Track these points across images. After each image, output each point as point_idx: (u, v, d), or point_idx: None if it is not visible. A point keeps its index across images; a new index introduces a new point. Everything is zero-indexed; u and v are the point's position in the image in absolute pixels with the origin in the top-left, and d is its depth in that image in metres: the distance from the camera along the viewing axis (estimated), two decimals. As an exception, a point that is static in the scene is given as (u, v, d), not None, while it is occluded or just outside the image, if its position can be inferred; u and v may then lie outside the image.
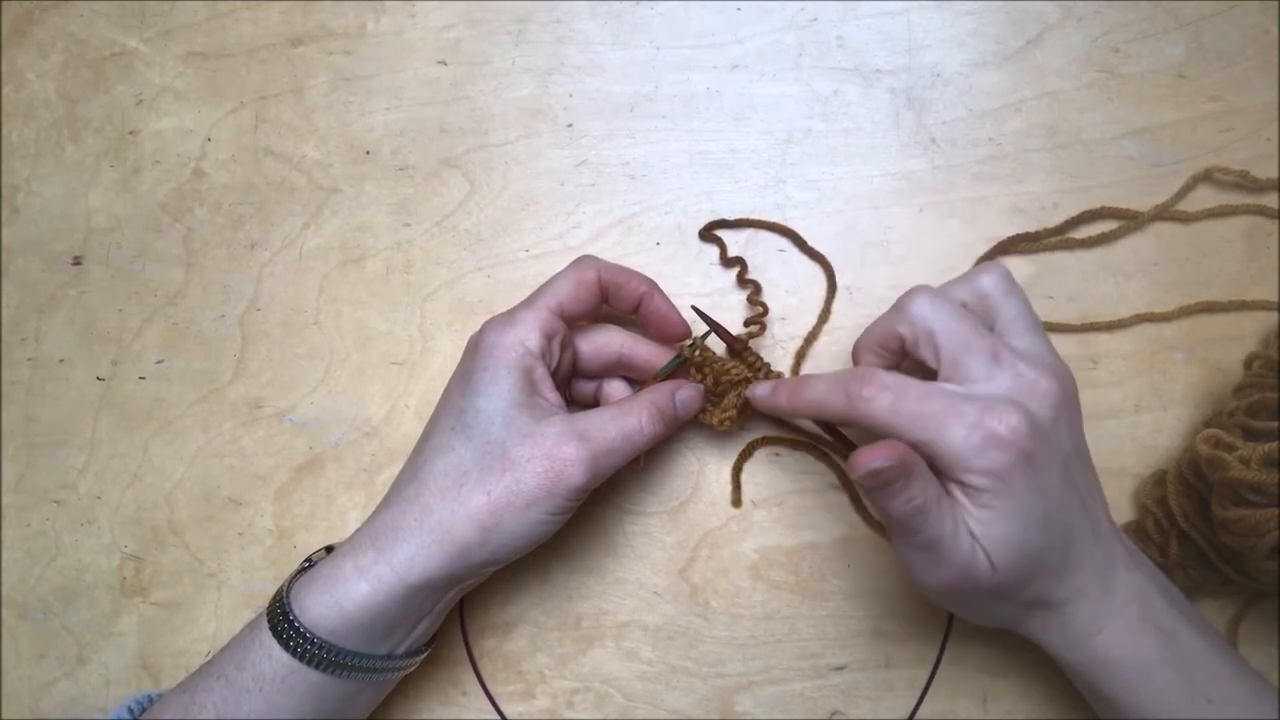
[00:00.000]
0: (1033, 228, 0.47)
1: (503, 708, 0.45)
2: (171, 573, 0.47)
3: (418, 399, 0.48)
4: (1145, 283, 0.46)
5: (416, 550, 0.38)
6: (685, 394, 0.43)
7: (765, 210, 0.48)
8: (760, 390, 0.43)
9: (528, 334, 0.40)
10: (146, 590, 0.47)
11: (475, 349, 0.40)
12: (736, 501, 0.46)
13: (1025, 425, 0.35)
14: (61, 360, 0.49)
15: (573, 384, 0.45)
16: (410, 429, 0.47)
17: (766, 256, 0.47)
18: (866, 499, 0.45)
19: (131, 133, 0.50)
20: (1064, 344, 0.46)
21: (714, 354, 0.44)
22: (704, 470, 0.46)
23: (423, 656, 0.41)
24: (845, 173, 0.48)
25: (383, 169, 0.49)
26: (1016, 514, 0.35)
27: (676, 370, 0.44)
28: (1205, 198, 0.47)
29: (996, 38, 0.48)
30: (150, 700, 0.41)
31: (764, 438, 0.46)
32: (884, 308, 0.46)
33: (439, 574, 0.38)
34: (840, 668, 0.45)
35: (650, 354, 0.44)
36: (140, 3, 0.51)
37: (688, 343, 0.44)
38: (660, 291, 0.43)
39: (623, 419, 0.40)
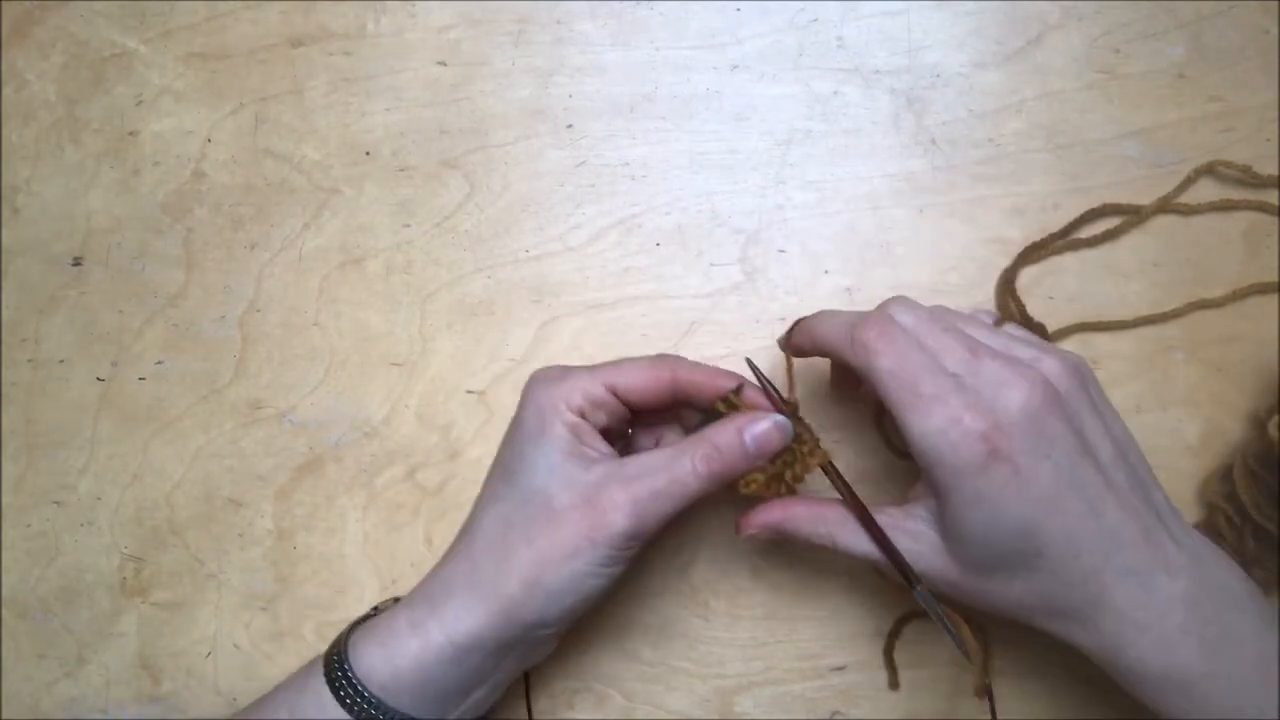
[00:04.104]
0: (1033, 228, 0.47)
1: (502, 709, 0.45)
2: (171, 573, 0.47)
3: (418, 400, 0.48)
4: (1146, 283, 0.46)
5: (463, 607, 0.36)
6: (760, 428, 0.38)
7: (765, 210, 0.48)
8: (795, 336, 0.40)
9: (570, 393, 0.38)
10: (146, 591, 0.47)
11: (522, 399, 0.39)
12: (894, 684, 0.45)
13: (1003, 421, 0.34)
14: (61, 361, 0.49)
15: (633, 438, 0.43)
16: (410, 429, 0.47)
17: (767, 258, 0.47)
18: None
19: (131, 133, 0.50)
20: (1064, 344, 0.46)
21: (751, 409, 0.39)
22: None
23: None
24: (845, 173, 0.48)
25: (383, 170, 0.49)
26: (983, 520, 0.34)
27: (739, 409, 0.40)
28: (1207, 195, 0.47)
29: (996, 38, 0.48)
30: None
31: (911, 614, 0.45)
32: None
33: (485, 634, 0.36)
34: (840, 668, 0.45)
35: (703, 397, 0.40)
36: (140, 3, 0.51)
37: (722, 398, 0.39)
38: (748, 384, 0.40)
39: (673, 460, 0.37)
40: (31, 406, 0.49)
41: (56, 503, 0.48)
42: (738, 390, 0.39)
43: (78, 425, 0.48)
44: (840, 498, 0.39)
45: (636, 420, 0.42)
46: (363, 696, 0.36)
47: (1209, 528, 0.44)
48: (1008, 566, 0.35)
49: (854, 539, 0.38)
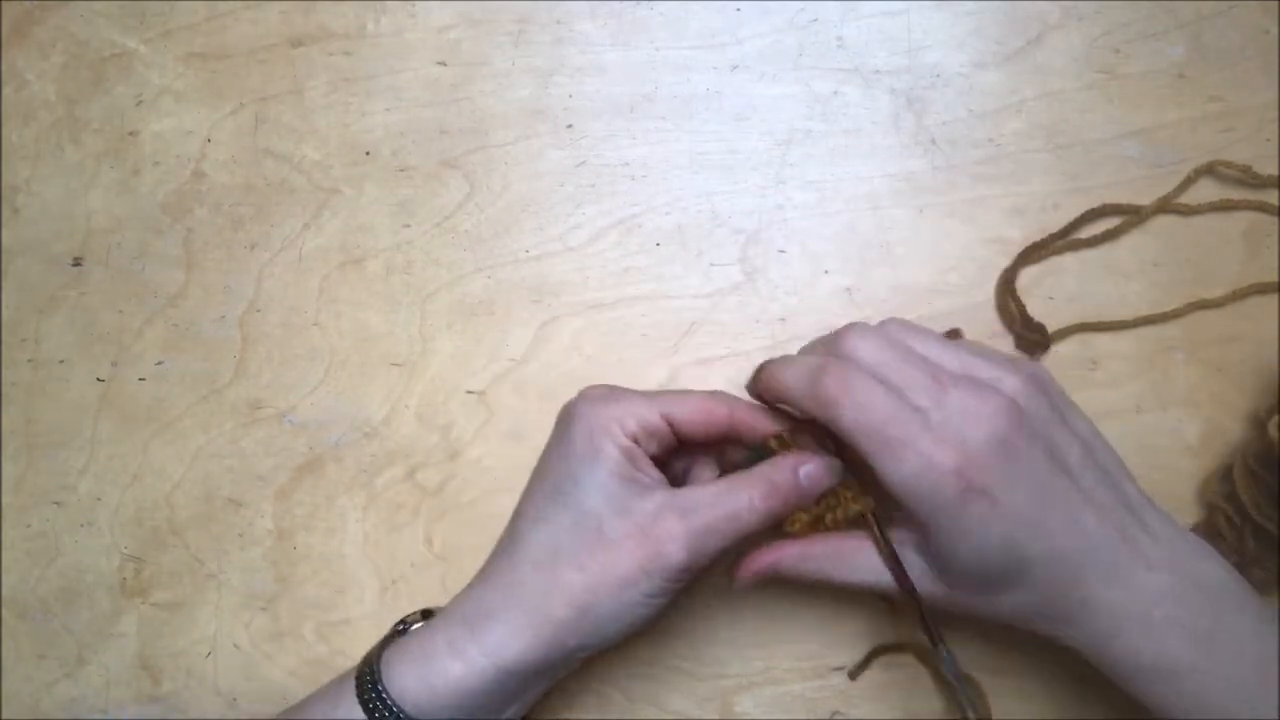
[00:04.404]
0: (1033, 228, 0.47)
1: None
2: (171, 573, 0.47)
3: (418, 400, 0.48)
4: (1146, 283, 0.46)
5: (509, 632, 0.36)
6: (812, 469, 0.38)
7: (765, 211, 0.48)
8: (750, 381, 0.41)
9: (625, 416, 0.38)
10: (146, 591, 0.47)
11: (571, 418, 0.39)
12: (853, 675, 0.45)
13: (976, 448, 0.34)
14: (61, 361, 0.49)
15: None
16: (410, 430, 0.47)
17: (767, 258, 0.47)
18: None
19: (131, 133, 0.50)
20: (1064, 344, 0.46)
21: (800, 451, 0.39)
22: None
23: None
24: (845, 173, 0.48)
25: (383, 170, 0.49)
26: (965, 547, 0.35)
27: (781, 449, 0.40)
28: (1207, 195, 0.47)
29: (996, 38, 0.48)
30: None
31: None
32: (884, 308, 0.46)
33: (531, 658, 0.36)
34: (840, 668, 0.45)
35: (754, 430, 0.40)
36: (140, 3, 0.51)
37: (776, 435, 0.39)
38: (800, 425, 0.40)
39: (730, 495, 0.37)
40: (31, 406, 0.49)
41: (56, 503, 0.48)
42: (792, 430, 0.40)
43: (78, 425, 0.48)
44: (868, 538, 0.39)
45: (679, 451, 0.41)
46: (398, 718, 0.35)
47: (1209, 528, 0.44)
48: (994, 586, 0.36)
49: (847, 572, 0.38)
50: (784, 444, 0.39)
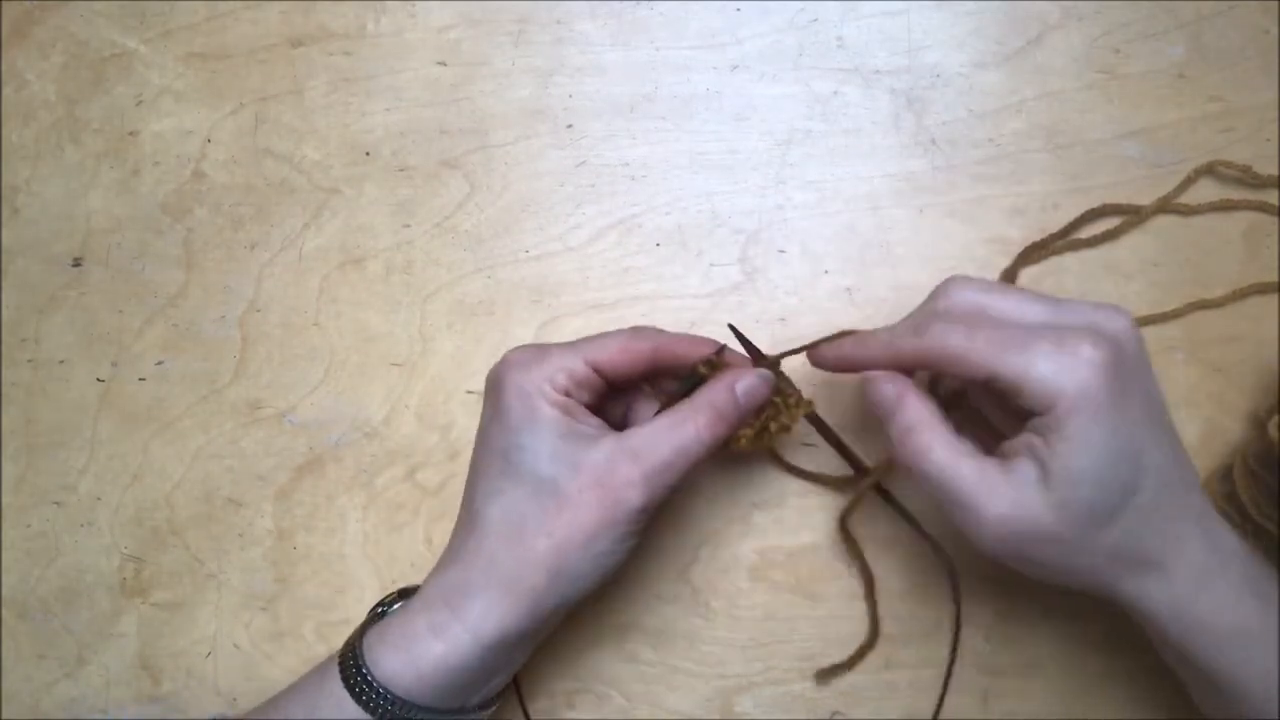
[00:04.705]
0: (1033, 228, 0.47)
1: (502, 708, 0.45)
2: (171, 573, 0.47)
3: (418, 400, 0.48)
4: (1146, 283, 0.46)
5: (488, 606, 0.36)
6: (747, 384, 0.39)
7: (765, 210, 0.48)
8: (826, 351, 0.40)
9: (555, 374, 0.38)
10: (146, 591, 0.47)
11: (500, 386, 0.39)
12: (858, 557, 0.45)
13: (1109, 346, 0.34)
14: (61, 361, 0.49)
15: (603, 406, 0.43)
16: (410, 430, 0.47)
17: (767, 258, 0.47)
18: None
19: (131, 133, 0.50)
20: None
21: (737, 368, 0.40)
22: (703, 470, 0.46)
23: (493, 709, 0.40)
24: (845, 173, 0.48)
25: (383, 170, 0.49)
26: (1102, 444, 0.33)
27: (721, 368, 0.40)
28: (1207, 195, 0.47)
29: (996, 38, 0.48)
30: None
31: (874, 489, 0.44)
32: (884, 308, 0.46)
33: (513, 628, 0.36)
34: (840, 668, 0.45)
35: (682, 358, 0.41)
36: (140, 3, 0.51)
37: (705, 360, 0.40)
38: (727, 347, 0.41)
39: (678, 429, 0.37)
40: (31, 406, 0.49)
41: (56, 503, 0.48)
42: (719, 352, 0.40)
43: (78, 425, 0.48)
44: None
45: (617, 393, 0.42)
46: (386, 698, 0.36)
47: None
48: (1109, 508, 0.34)
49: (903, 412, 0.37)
50: (713, 366, 0.40)
